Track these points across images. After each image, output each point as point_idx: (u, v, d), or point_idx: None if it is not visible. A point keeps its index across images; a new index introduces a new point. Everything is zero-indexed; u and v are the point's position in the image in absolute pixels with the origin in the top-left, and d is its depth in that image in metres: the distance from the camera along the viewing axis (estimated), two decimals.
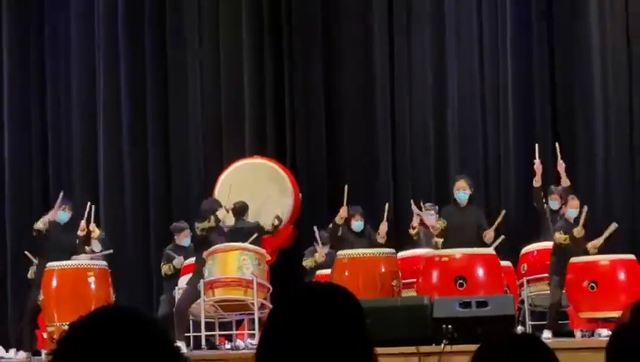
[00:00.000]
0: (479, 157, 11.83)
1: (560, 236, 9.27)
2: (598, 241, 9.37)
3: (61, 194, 10.30)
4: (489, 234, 9.26)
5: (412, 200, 10.30)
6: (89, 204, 10.05)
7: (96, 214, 11.06)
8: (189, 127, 12.26)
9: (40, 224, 9.80)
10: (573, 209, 9.48)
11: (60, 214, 10.00)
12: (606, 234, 9.43)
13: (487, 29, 11.98)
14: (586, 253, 9.22)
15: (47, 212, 10.06)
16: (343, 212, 9.70)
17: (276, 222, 9.89)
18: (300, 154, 12.15)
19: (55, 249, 9.78)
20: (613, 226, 9.45)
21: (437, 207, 10.53)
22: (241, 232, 9.59)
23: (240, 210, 9.87)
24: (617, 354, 1.51)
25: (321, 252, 10.29)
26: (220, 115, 12.28)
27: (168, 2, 12.46)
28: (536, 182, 9.76)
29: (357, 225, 9.86)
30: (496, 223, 9.39)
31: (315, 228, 10.35)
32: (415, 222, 10.13)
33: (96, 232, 9.96)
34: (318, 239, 10.34)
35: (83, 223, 9.82)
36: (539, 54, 11.78)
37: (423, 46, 12.10)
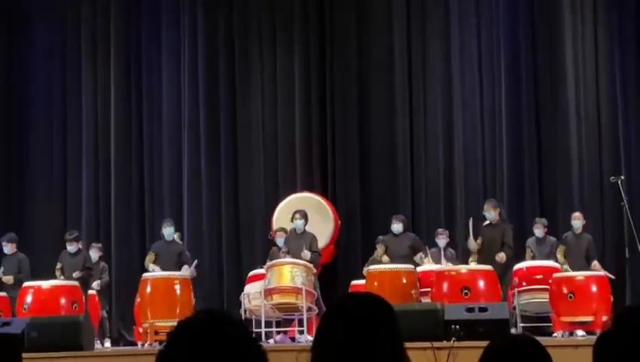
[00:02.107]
0: (480, 194, 11.75)
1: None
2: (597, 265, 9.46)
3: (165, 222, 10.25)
4: (499, 256, 9.17)
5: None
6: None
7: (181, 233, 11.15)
8: (253, 169, 12.26)
9: (149, 267, 9.83)
10: None
11: (166, 231, 10.02)
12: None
13: (486, 87, 11.95)
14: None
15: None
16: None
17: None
18: (339, 189, 12.10)
19: (163, 260, 9.81)
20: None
21: (447, 232, 10.48)
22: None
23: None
24: (603, 355, 1.53)
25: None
26: (277, 159, 12.30)
27: (237, 69, 12.51)
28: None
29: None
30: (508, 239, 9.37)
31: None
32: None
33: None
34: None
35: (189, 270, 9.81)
36: (527, 110, 11.74)
37: (435, 106, 12.09)
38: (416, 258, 9.47)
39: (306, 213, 9.93)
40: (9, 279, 9.88)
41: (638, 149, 11.40)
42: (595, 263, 9.50)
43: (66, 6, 12.85)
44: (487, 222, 9.59)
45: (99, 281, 10.41)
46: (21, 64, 12.81)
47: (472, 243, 9.37)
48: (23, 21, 12.81)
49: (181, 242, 10.52)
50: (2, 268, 10.03)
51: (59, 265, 9.83)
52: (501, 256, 9.16)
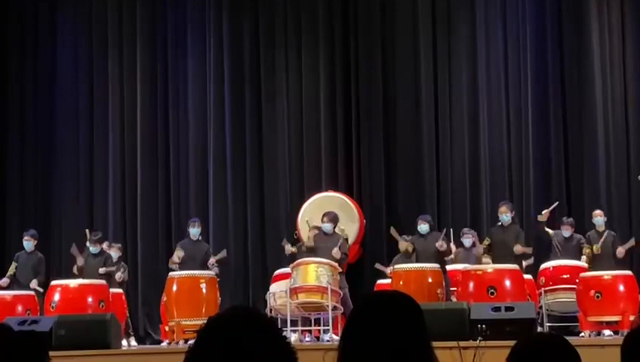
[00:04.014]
0: (506, 192, 11.70)
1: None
2: (622, 249, 9.39)
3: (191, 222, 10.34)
4: (517, 248, 9.22)
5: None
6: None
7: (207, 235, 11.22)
8: (279, 168, 12.27)
9: (175, 258, 9.86)
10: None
11: (192, 230, 10.07)
12: (627, 245, 9.40)
13: (512, 86, 11.89)
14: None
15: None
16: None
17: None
18: (364, 188, 12.09)
19: (189, 259, 9.84)
20: (632, 241, 9.53)
21: (474, 231, 10.44)
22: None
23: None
24: (630, 354, 1.52)
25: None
26: (302, 158, 12.30)
27: (262, 67, 12.54)
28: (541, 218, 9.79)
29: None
30: (523, 249, 9.37)
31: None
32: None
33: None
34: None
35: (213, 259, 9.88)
36: (554, 109, 11.69)
37: (461, 103, 12.05)
38: (437, 244, 9.43)
39: (336, 216, 9.95)
40: (34, 283, 9.92)
41: None
42: (620, 249, 9.44)
43: (91, 9, 12.93)
44: (499, 223, 9.59)
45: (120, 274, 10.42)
46: (47, 61, 12.91)
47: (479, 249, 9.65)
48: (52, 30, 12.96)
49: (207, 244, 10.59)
50: (16, 264, 10.08)
51: (80, 263, 9.86)
52: (517, 249, 9.22)
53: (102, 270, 9.77)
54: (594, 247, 9.33)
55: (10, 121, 12.86)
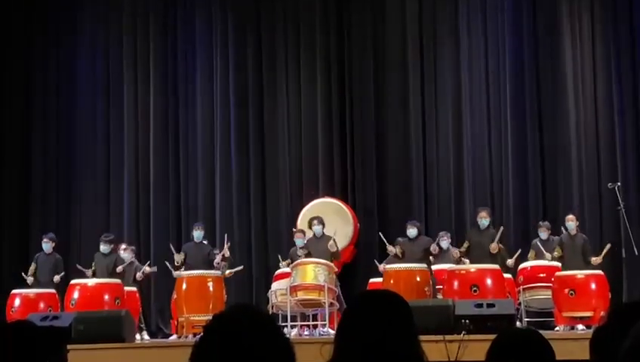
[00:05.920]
0: (487, 198, 11.70)
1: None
2: (598, 258, 9.29)
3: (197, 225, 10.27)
4: (492, 246, 9.19)
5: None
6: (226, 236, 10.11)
7: (213, 236, 11.19)
8: (280, 178, 12.26)
9: (178, 261, 9.84)
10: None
11: (196, 233, 10.04)
12: (603, 252, 9.33)
13: (493, 99, 11.90)
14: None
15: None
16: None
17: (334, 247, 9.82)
18: (358, 194, 12.09)
19: (192, 260, 9.83)
20: (608, 246, 9.40)
21: (449, 234, 10.42)
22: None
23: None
24: (598, 348, 1.53)
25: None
26: (301, 168, 12.30)
27: (265, 80, 12.55)
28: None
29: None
30: (497, 237, 9.31)
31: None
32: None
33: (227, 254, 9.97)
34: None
35: (219, 257, 9.82)
36: (531, 119, 11.70)
37: (446, 116, 12.06)
38: (432, 248, 9.48)
39: (323, 219, 9.97)
40: (57, 278, 9.92)
41: (633, 158, 11.33)
42: (594, 259, 9.39)
43: (108, 18, 12.94)
44: (477, 226, 9.57)
45: (140, 273, 10.37)
46: (68, 72, 12.91)
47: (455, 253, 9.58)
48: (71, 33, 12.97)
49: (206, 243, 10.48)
50: (35, 264, 10.06)
51: (89, 274, 9.86)
52: (494, 247, 9.17)
53: (119, 269, 9.79)
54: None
55: (33, 129, 12.83)
